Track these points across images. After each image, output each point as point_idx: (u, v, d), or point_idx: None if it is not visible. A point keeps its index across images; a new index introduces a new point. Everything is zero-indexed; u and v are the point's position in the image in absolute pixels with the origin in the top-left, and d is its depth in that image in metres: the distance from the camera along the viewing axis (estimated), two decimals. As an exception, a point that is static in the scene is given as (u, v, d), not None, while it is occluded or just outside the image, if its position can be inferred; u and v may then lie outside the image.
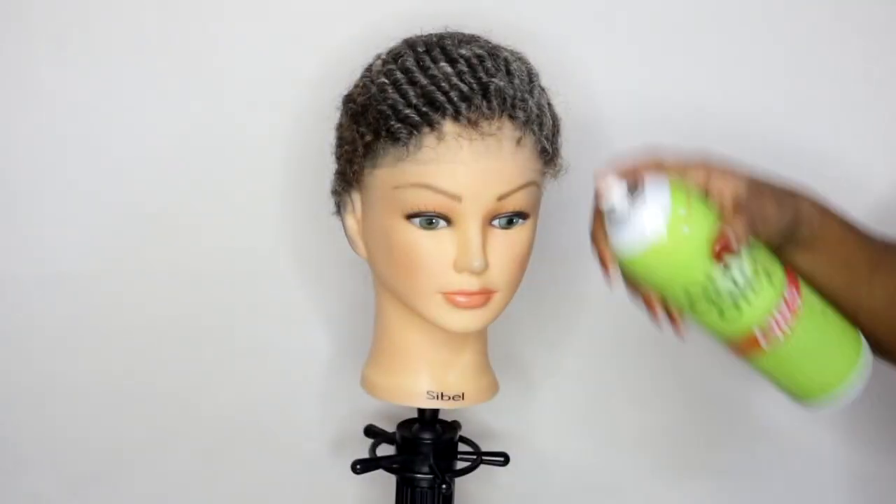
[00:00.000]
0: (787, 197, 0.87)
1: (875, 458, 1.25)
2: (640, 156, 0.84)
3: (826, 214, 0.89)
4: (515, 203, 0.91)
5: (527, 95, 0.91)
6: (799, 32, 1.17)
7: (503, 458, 1.07)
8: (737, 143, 1.05)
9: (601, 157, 1.00)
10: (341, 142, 0.96)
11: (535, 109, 0.91)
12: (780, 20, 1.17)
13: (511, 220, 0.92)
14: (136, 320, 1.18)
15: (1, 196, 1.15)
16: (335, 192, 0.99)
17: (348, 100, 0.96)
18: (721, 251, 0.81)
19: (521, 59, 0.94)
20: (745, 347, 0.86)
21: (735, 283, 0.82)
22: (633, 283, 0.87)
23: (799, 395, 0.90)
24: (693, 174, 0.84)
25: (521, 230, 0.93)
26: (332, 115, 0.98)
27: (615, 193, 0.79)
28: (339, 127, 0.97)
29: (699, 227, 0.81)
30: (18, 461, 1.20)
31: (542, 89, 0.94)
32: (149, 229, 1.16)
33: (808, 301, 0.87)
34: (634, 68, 1.17)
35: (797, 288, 0.86)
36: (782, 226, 0.86)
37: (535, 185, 0.93)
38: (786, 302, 0.84)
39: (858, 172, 1.17)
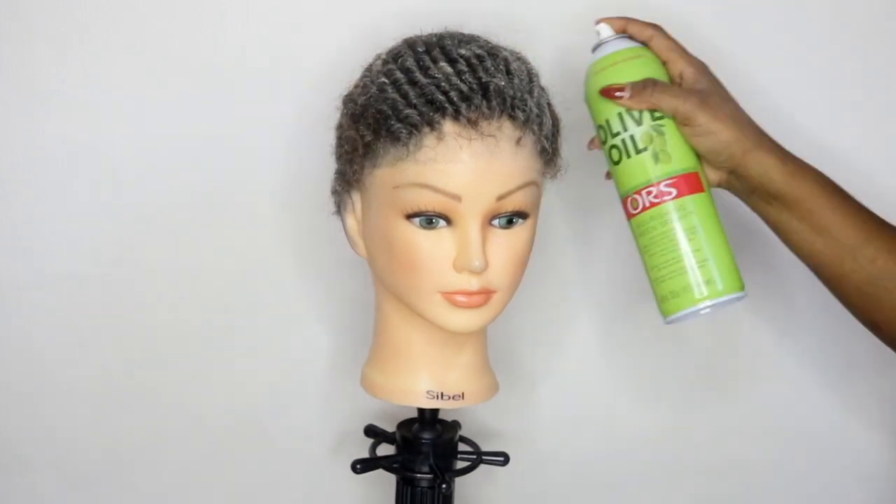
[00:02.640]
0: (739, 139, 0.93)
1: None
2: (646, 22, 0.98)
3: (795, 179, 0.93)
4: (515, 203, 0.91)
5: (526, 95, 0.90)
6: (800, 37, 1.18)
7: (503, 458, 1.07)
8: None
9: (601, 157, 1.00)
10: (341, 142, 0.96)
11: (534, 109, 0.91)
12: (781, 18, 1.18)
13: (511, 219, 0.92)
14: (136, 321, 1.18)
15: (0, 196, 1.15)
16: (335, 192, 0.99)
17: (348, 100, 0.96)
18: (610, 90, 0.94)
19: (521, 59, 0.94)
20: (624, 208, 0.97)
21: (623, 134, 0.95)
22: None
23: (656, 293, 0.97)
24: (670, 57, 0.96)
25: (520, 230, 0.93)
26: (332, 115, 0.98)
27: (604, 28, 0.98)
28: (339, 127, 0.97)
29: (624, 73, 0.95)
30: (18, 461, 1.20)
31: (542, 89, 0.94)
32: (148, 230, 1.16)
33: (686, 210, 0.93)
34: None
35: (682, 193, 0.94)
36: (713, 149, 0.93)
37: (535, 185, 0.92)
38: (658, 189, 0.94)
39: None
